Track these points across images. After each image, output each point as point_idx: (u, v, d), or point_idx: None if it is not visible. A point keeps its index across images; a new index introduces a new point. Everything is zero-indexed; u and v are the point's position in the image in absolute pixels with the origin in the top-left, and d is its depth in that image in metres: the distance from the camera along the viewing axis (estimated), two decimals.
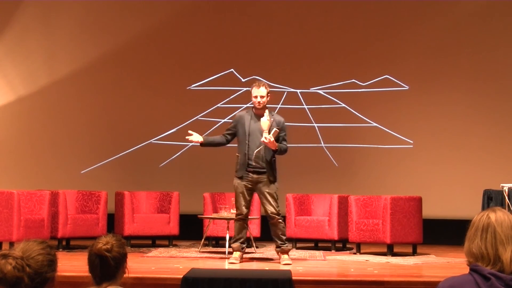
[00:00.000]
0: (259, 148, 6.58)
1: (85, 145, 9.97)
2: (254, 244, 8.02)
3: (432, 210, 8.58)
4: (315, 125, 10.01)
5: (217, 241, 8.64)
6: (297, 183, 9.64)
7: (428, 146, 9.81)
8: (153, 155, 9.95)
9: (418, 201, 7.94)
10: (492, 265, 2.28)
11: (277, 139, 6.57)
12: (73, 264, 6.29)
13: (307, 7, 10.02)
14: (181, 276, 5.18)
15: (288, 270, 5.62)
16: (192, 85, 10.08)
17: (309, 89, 10.05)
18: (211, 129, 9.61)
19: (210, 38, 10.06)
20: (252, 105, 6.77)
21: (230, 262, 6.58)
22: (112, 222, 8.49)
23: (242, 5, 10.12)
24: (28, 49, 9.96)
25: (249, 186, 6.62)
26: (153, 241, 8.79)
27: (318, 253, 7.77)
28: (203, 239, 8.05)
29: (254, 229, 8.45)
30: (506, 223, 2.33)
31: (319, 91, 10.04)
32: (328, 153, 9.96)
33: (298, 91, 10.06)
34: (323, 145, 9.98)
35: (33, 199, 7.68)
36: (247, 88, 9.95)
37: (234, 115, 6.83)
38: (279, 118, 6.76)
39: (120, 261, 2.75)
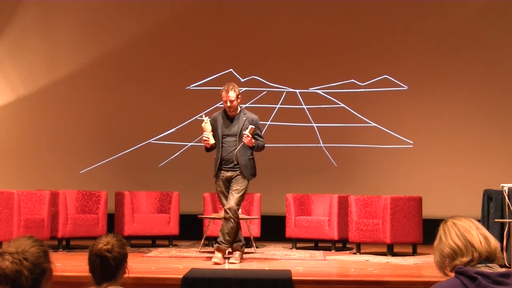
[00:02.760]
0: (233, 149, 6.64)
1: (85, 145, 9.97)
2: (254, 244, 8.02)
3: (432, 210, 8.58)
4: (314, 125, 10.01)
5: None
6: (297, 183, 9.65)
7: (428, 146, 9.82)
8: (152, 155, 9.95)
9: (418, 201, 7.94)
10: (467, 254, 2.32)
11: (252, 136, 6.66)
12: (73, 264, 6.29)
13: (306, 7, 10.02)
14: (181, 276, 5.18)
15: (288, 270, 5.62)
16: (191, 85, 10.07)
17: (308, 89, 10.05)
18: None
19: (209, 38, 10.06)
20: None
21: (230, 262, 6.57)
22: (112, 222, 8.49)
23: (241, 5, 10.12)
24: (28, 49, 9.96)
25: (226, 183, 6.73)
26: (153, 241, 8.79)
27: (318, 253, 7.77)
28: (203, 239, 8.05)
29: (254, 229, 8.46)
30: (461, 219, 2.44)
31: (318, 91, 10.04)
32: (327, 153, 9.96)
33: (297, 91, 10.06)
34: (322, 145, 9.98)
35: (33, 199, 7.68)
36: (246, 88, 9.97)
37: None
38: (253, 116, 6.80)
39: (120, 261, 2.75)
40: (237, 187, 6.65)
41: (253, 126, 6.62)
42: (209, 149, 6.75)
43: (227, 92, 6.63)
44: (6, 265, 2.12)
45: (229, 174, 6.69)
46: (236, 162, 6.66)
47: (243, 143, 6.61)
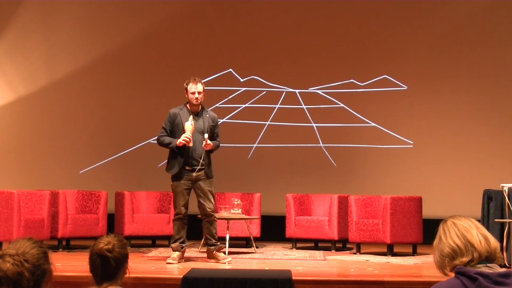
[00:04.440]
0: (201, 145, 6.56)
1: (85, 145, 9.97)
2: (254, 244, 8.02)
3: (432, 210, 8.58)
4: (314, 125, 10.01)
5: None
6: (297, 183, 9.66)
7: (428, 146, 9.82)
8: (152, 155, 9.93)
9: (418, 201, 7.94)
10: (467, 254, 2.32)
11: (212, 135, 6.65)
12: (73, 264, 6.29)
13: (305, 7, 10.02)
14: (181, 276, 5.19)
15: (288, 270, 5.62)
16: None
17: (307, 89, 10.05)
18: None
19: (208, 38, 10.06)
20: (187, 102, 6.73)
21: (168, 263, 6.48)
22: (112, 222, 8.49)
23: (240, 5, 10.12)
24: (28, 49, 9.96)
25: (189, 184, 6.63)
26: (153, 241, 8.79)
27: (318, 253, 7.77)
28: (203, 239, 8.03)
29: (254, 229, 8.46)
30: (461, 218, 2.44)
31: (318, 91, 10.04)
32: (327, 153, 9.96)
33: (297, 91, 10.06)
34: (322, 145, 9.98)
35: (33, 199, 7.68)
36: (246, 88, 9.97)
37: (168, 112, 6.76)
38: (213, 115, 6.81)
39: (121, 262, 2.76)
40: (210, 189, 6.65)
41: (206, 135, 6.56)
42: (179, 148, 6.54)
43: (197, 83, 6.60)
44: (7, 267, 2.13)
45: (194, 174, 6.59)
46: (200, 160, 6.57)
47: (204, 143, 6.53)
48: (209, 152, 6.69)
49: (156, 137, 6.86)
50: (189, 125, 6.55)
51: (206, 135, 6.56)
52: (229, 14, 10.13)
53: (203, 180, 6.62)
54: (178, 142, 6.50)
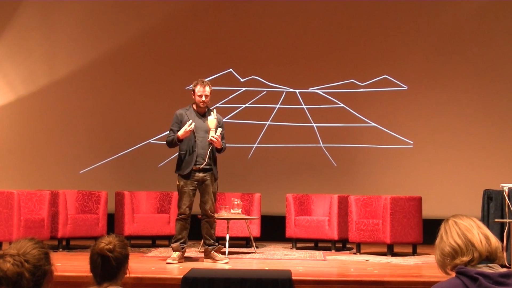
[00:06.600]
0: (211, 147, 6.56)
1: (85, 145, 9.97)
2: (254, 244, 8.02)
3: (432, 210, 8.59)
4: (314, 125, 10.02)
5: (217, 241, 8.63)
6: (297, 183, 9.66)
7: (428, 146, 9.82)
8: (152, 155, 9.95)
9: (418, 201, 7.95)
10: (468, 253, 2.32)
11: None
12: (73, 264, 6.30)
13: (305, 7, 10.02)
14: (181, 276, 5.19)
15: (288, 270, 5.63)
16: (191, 85, 10.05)
17: (308, 89, 10.05)
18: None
19: (209, 38, 10.06)
20: (193, 103, 6.73)
21: (168, 262, 6.47)
22: (112, 222, 8.49)
23: (240, 5, 10.12)
24: (28, 49, 9.96)
25: (195, 185, 6.61)
26: (153, 241, 8.79)
27: (318, 253, 7.78)
28: (203, 239, 8.03)
29: (254, 229, 8.46)
30: (463, 217, 2.44)
31: (318, 91, 10.04)
32: (327, 153, 9.96)
33: (297, 91, 10.06)
34: (322, 145, 9.99)
35: (33, 199, 7.68)
36: (246, 88, 9.97)
37: (175, 114, 6.73)
38: (219, 117, 6.78)
39: (121, 262, 2.75)
40: (213, 190, 6.67)
41: (221, 128, 6.60)
42: (180, 141, 6.54)
43: (204, 87, 6.61)
44: (7, 267, 2.13)
45: (201, 175, 6.58)
46: (208, 160, 6.55)
47: (214, 143, 6.53)
48: (217, 152, 6.68)
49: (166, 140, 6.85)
50: (212, 119, 6.55)
51: (220, 130, 6.55)
52: (229, 14, 10.13)
53: (209, 181, 6.62)
54: (180, 134, 6.47)
